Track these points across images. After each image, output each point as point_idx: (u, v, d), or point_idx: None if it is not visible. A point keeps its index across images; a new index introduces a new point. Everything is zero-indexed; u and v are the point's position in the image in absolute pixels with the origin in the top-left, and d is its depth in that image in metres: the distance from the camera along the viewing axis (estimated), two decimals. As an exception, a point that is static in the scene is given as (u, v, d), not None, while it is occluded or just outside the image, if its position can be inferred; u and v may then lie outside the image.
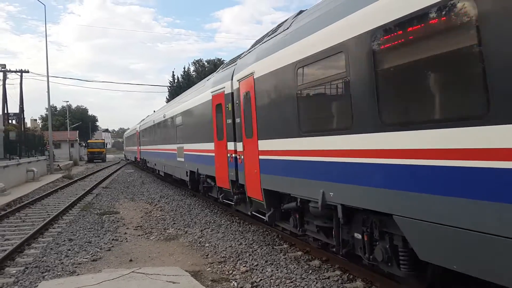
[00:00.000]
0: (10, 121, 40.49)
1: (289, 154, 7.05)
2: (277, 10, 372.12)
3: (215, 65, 69.34)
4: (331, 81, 5.92)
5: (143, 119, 35.18)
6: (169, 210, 14.17)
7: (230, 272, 7.29)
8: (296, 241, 8.77)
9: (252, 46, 10.02)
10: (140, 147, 34.55)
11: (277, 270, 7.22)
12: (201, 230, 10.76)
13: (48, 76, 36.50)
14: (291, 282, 6.66)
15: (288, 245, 8.80)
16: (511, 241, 3.38)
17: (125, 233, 10.83)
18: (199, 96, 13.68)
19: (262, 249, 8.58)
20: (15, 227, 12.15)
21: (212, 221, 11.86)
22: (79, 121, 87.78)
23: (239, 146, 9.55)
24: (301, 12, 7.92)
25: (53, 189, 21.78)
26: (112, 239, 10.12)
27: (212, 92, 11.77)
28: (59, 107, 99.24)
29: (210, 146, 11.92)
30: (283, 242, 9.07)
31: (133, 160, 43.95)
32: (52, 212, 14.28)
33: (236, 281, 6.82)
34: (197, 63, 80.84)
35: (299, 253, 8.19)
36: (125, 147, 60.28)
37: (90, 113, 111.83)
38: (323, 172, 6.07)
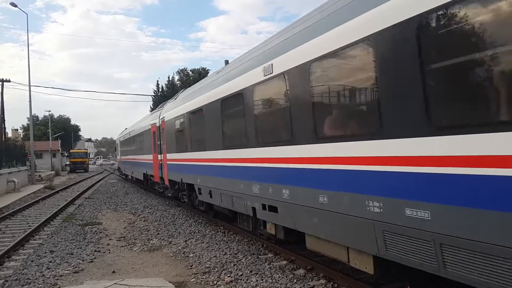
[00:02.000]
0: (-10, 131, 39.74)
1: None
2: (262, 20, 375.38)
3: (199, 74, 69.53)
4: None
5: (174, 99, 17.19)
6: (153, 220, 14.04)
7: (215, 282, 7.24)
8: (281, 250, 8.77)
9: None
10: (165, 157, 16.30)
11: (262, 279, 7.20)
12: (185, 240, 10.68)
13: (30, 86, 36.07)
14: (276, 291, 6.65)
15: (273, 254, 8.79)
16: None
17: (108, 244, 10.69)
18: None
19: (247, 259, 8.55)
20: (-5, 239, 11.89)
21: (197, 231, 11.78)
22: (62, 131, 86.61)
23: None
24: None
25: (34, 200, 21.37)
26: (95, 251, 9.98)
27: None
28: (41, 116, 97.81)
29: None
30: (268, 251, 9.06)
31: (140, 178, 24.94)
32: (33, 223, 14.02)
33: (220, 292, 6.77)
34: (182, 72, 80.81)
35: (284, 262, 8.18)
36: (120, 156, 38.91)
37: (72, 122, 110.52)
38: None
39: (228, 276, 7.47)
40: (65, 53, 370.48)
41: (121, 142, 36.28)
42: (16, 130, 71.96)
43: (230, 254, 9.02)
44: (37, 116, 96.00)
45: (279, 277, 7.27)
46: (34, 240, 11.59)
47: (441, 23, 4.07)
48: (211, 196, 10.79)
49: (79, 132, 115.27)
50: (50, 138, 73.56)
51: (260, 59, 7.80)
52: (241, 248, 9.55)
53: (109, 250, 10.08)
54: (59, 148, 75.04)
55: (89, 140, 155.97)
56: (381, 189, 4.80)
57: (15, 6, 34.70)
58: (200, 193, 11.86)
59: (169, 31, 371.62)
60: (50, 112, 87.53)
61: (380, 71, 4.75)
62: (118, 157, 41.40)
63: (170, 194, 16.25)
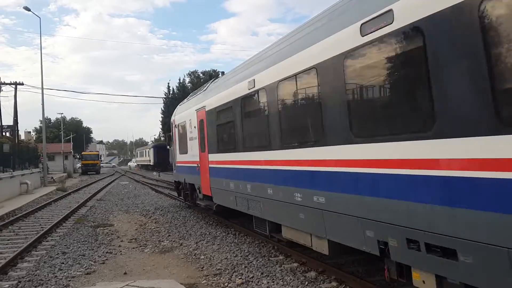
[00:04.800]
0: (3, 134, 40.27)
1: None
2: (272, 22, 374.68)
3: (210, 76, 69.89)
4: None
5: None
6: (164, 222, 14.08)
7: (226, 284, 7.22)
8: (292, 252, 8.73)
9: None
10: None
11: (273, 282, 7.17)
12: (196, 242, 10.69)
13: (42, 88, 36.47)
14: (287, 294, 6.61)
15: (284, 257, 8.75)
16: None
17: (120, 246, 10.73)
18: None
19: (258, 261, 8.52)
20: (8, 240, 12.01)
21: (208, 233, 11.78)
22: (74, 133, 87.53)
23: None
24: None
25: (47, 201, 21.57)
26: (106, 252, 10.02)
27: None
28: (53, 119, 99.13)
29: None
30: (279, 254, 9.02)
31: None
32: (45, 225, 14.14)
33: (231, 294, 6.75)
34: (192, 74, 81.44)
35: (295, 264, 8.14)
36: (210, 154, 11.83)
37: (84, 125, 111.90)
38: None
39: (239, 278, 7.45)
40: (77, 56, 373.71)
41: (209, 115, 12.02)
42: (29, 132, 72.80)
43: (241, 256, 9.00)
44: (50, 118, 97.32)
45: (291, 279, 7.23)
46: (47, 241, 11.68)
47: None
48: None
49: (91, 134, 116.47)
50: (63, 140, 74.34)
51: None
52: (252, 250, 9.52)
53: (120, 251, 10.12)
54: (71, 150, 75.80)
55: (101, 142, 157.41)
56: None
57: (29, 10, 35.15)
58: None
59: (181, 33, 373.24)
60: (62, 115, 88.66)
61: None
62: (188, 156, 14.58)
63: None
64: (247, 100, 9.25)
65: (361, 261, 7.71)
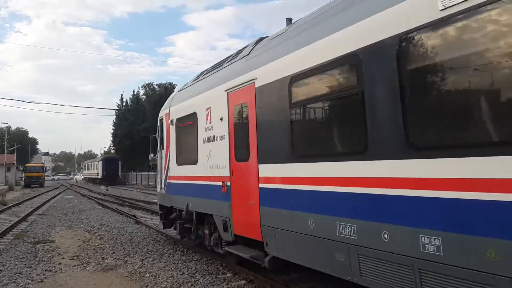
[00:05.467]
0: None
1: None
2: (231, 37, 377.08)
3: (165, 89, 69.24)
4: None
5: None
6: (109, 239, 13.59)
7: (170, 303, 7.04)
8: (240, 269, 8.67)
9: None
10: None
11: (219, 300, 7.06)
12: (141, 260, 10.38)
13: (-16, 96, 34.67)
14: (233, 312, 6.53)
15: (231, 274, 8.66)
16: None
17: (60, 263, 10.23)
18: None
19: (205, 279, 8.38)
20: None
21: (154, 250, 11.49)
22: (18, 144, 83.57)
23: None
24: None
25: (-16, 215, 20.32)
26: (46, 270, 9.52)
27: None
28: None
29: None
30: (227, 271, 8.93)
31: None
32: (-20, 240, 13.28)
33: (175, 313, 6.58)
34: (147, 86, 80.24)
35: (243, 282, 8.07)
36: None
37: (30, 135, 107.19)
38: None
39: (185, 297, 7.28)
40: (27, 63, 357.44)
41: None
42: (-31, 142, 68.94)
43: (188, 274, 8.82)
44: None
45: (237, 297, 7.16)
46: (-20, 258, 10.96)
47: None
48: None
49: (37, 145, 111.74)
50: (6, 151, 70.76)
51: None
52: (200, 267, 9.36)
53: (60, 269, 9.65)
54: (15, 161, 72.21)
55: (47, 154, 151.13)
56: None
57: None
58: None
59: (138, 45, 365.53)
60: (7, 124, 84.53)
61: None
62: (199, 167, 9.57)
63: None
64: (428, 39, 4.15)
65: (309, 277, 7.76)
